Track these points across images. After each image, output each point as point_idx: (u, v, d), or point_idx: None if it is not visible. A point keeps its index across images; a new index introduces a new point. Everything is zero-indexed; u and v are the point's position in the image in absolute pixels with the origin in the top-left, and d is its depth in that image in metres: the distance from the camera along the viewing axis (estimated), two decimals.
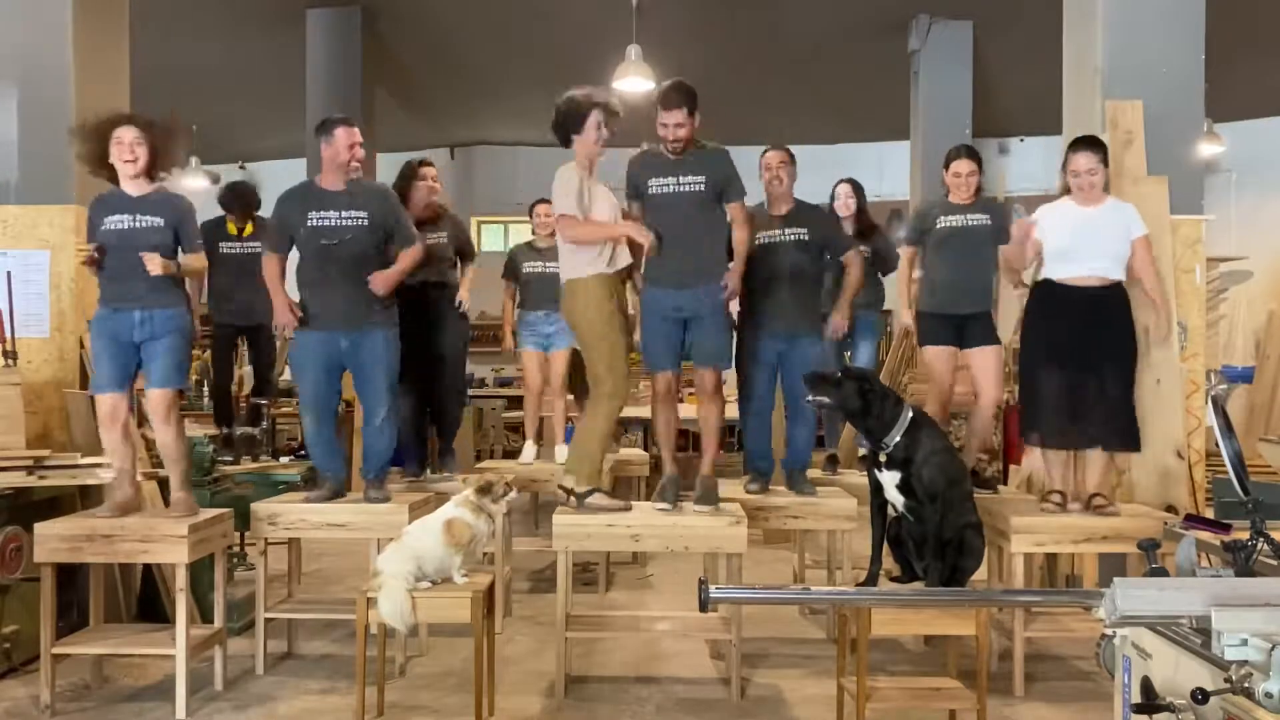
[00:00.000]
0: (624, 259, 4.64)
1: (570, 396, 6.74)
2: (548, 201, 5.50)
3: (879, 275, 6.12)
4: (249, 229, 6.90)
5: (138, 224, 4.35)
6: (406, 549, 3.96)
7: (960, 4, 9.88)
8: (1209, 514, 4.91)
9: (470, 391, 12.16)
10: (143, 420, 5.35)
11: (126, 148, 4.35)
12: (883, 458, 4.09)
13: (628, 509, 4.61)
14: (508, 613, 5.53)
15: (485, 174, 14.44)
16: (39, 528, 4.17)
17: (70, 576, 4.50)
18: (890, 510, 4.25)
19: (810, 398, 4.26)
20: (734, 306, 5.02)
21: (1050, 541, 4.55)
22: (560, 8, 9.55)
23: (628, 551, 6.85)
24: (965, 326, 5.18)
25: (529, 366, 6.56)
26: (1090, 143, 4.79)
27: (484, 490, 4.09)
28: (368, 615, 3.88)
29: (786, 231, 5.14)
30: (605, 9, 9.13)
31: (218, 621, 4.53)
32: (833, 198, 6.03)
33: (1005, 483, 6.25)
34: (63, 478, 4.73)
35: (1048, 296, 4.75)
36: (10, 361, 5.14)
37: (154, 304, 4.35)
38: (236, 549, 6.05)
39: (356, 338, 4.76)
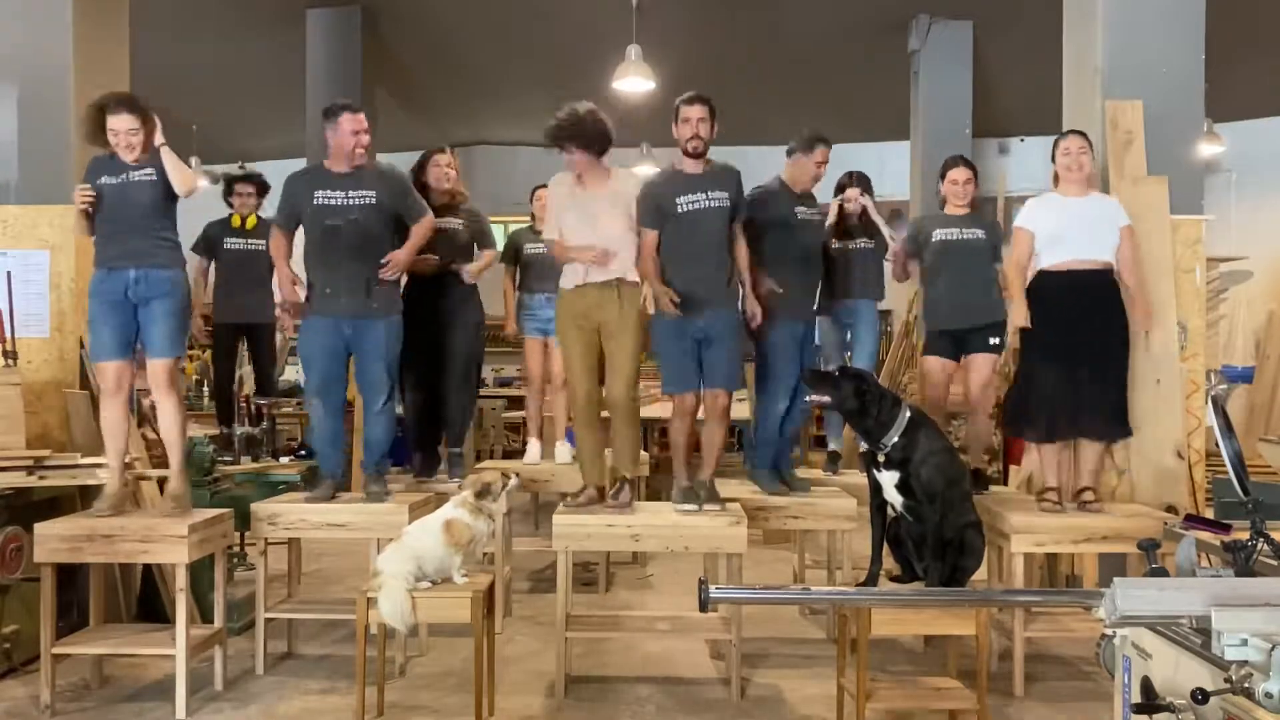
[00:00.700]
0: (596, 274, 4.67)
1: None
2: (544, 187, 5.59)
3: (881, 269, 6.11)
4: (252, 222, 6.90)
5: (130, 178, 4.37)
6: (406, 549, 3.96)
7: (960, 4, 9.88)
8: (1209, 514, 4.91)
9: None
10: (144, 420, 5.36)
11: (123, 139, 4.36)
12: (881, 458, 4.09)
13: (630, 509, 4.62)
14: (508, 613, 5.53)
15: (485, 174, 14.42)
16: (39, 528, 4.17)
17: (70, 576, 4.50)
18: (890, 510, 4.25)
19: (809, 397, 4.28)
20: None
21: (1050, 541, 4.55)
22: (560, 8, 9.55)
23: (628, 551, 6.85)
24: (964, 339, 5.28)
25: (530, 355, 6.30)
26: (1078, 130, 4.95)
27: (482, 492, 4.09)
28: (368, 615, 3.88)
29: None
30: (605, 9, 9.12)
31: (218, 621, 4.53)
32: (838, 193, 6.02)
33: (1005, 483, 6.25)
34: (63, 478, 4.73)
35: (1041, 286, 4.79)
36: (10, 361, 5.14)
37: (149, 263, 4.35)
38: (236, 549, 6.05)
39: (361, 324, 4.76)
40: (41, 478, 4.67)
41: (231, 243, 6.91)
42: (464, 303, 5.65)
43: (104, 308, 4.36)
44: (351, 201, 4.75)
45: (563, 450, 6.12)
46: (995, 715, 4.00)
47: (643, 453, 7.69)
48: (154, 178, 4.40)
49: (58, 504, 4.76)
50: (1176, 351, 5.16)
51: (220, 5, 9.42)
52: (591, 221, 4.70)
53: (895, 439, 4.04)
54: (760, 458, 5.24)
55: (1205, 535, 3.67)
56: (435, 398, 5.69)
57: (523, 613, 5.70)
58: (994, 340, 5.27)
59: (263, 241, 6.34)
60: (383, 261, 4.77)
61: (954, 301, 5.23)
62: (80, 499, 4.87)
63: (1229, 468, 2.59)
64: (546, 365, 6.28)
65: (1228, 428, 2.62)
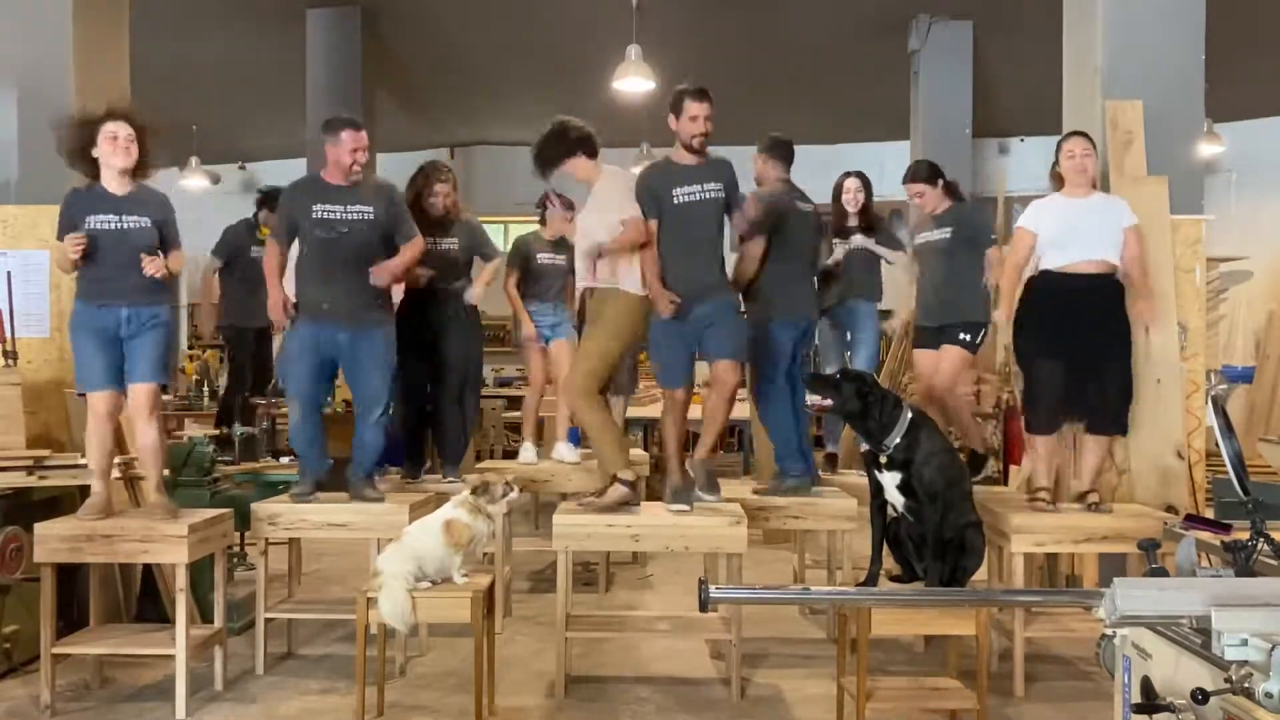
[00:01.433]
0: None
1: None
2: (561, 196, 5.69)
3: (879, 270, 6.12)
4: None
5: (125, 224, 4.32)
6: (406, 549, 3.96)
7: (960, 4, 9.88)
8: (1209, 514, 4.91)
9: None
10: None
11: (122, 144, 4.32)
12: (883, 459, 4.09)
13: (613, 509, 4.58)
14: (508, 613, 5.53)
15: (485, 174, 14.43)
16: (39, 528, 4.17)
17: (70, 576, 4.49)
18: (890, 510, 4.25)
19: (809, 401, 4.28)
20: None
21: (1050, 541, 4.55)
22: (560, 8, 9.55)
23: (628, 551, 6.85)
24: (940, 333, 5.48)
25: (532, 360, 6.38)
26: (1080, 132, 4.96)
27: (481, 490, 4.08)
28: (368, 615, 3.88)
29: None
30: (605, 9, 9.12)
31: (218, 621, 4.53)
32: (838, 191, 6.02)
33: (1005, 483, 6.25)
34: (63, 478, 4.73)
35: (1044, 287, 4.80)
36: (10, 361, 5.14)
37: (141, 301, 4.32)
38: (236, 549, 6.05)
39: (355, 333, 4.76)
40: (41, 478, 4.67)
41: (257, 251, 7.00)
42: (465, 320, 5.66)
43: (92, 342, 4.30)
44: (350, 216, 4.75)
45: (561, 450, 6.12)
46: (995, 715, 4.00)
47: (642, 452, 7.73)
48: (149, 225, 4.35)
49: (58, 504, 4.76)
50: (1176, 351, 5.16)
51: (220, 5, 9.41)
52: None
53: (897, 440, 4.05)
54: (790, 468, 5.18)
55: (1205, 535, 3.67)
56: (436, 406, 5.68)
57: (523, 613, 5.70)
58: (964, 336, 5.41)
59: None
60: (375, 268, 4.76)
61: (927, 299, 5.55)
62: (80, 499, 4.86)
63: (1229, 468, 2.59)
64: (546, 369, 6.39)
65: (1228, 428, 2.62)
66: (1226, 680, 1.72)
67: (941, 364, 5.46)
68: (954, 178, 5.70)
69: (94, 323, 4.31)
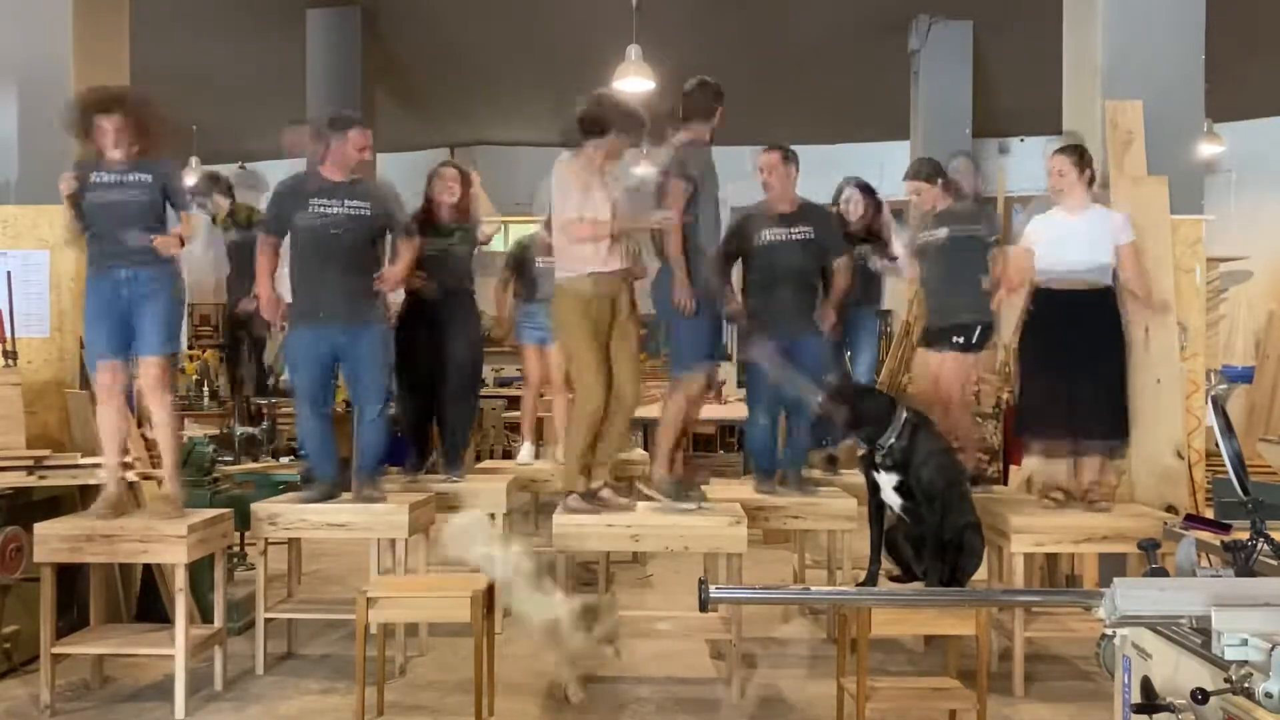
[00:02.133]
0: (615, 261, 4.58)
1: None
2: None
3: (877, 276, 6.12)
4: (243, 212, 6.98)
5: (125, 179, 4.34)
6: None
7: (960, 4, 9.88)
8: (1209, 514, 4.90)
9: None
10: (143, 420, 5.35)
11: (110, 136, 4.34)
12: (878, 458, 4.09)
13: (597, 512, 4.58)
14: (508, 613, 5.52)
15: (485, 174, 14.36)
16: (39, 528, 4.17)
17: (70, 576, 4.49)
18: (888, 512, 4.25)
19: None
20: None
21: (1050, 541, 4.55)
22: (560, 7, 9.54)
23: (628, 551, 6.85)
24: (939, 334, 5.43)
25: (530, 360, 6.52)
26: (1066, 147, 4.95)
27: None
28: (367, 615, 3.88)
29: (791, 231, 5.12)
30: (605, 9, 9.11)
31: (218, 621, 4.53)
32: (837, 197, 6.02)
33: (1005, 483, 6.25)
34: (63, 478, 4.73)
35: (1038, 303, 4.84)
36: (10, 361, 5.13)
37: (140, 262, 4.32)
38: (236, 549, 6.05)
39: (351, 332, 4.75)
40: (41, 478, 4.67)
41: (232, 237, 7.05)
42: (465, 315, 5.64)
43: (98, 309, 4.34)
44: (346, 211, 4.74)
45: (560, 452, 6.14)
46: (995, 715, 4.00)
47: (643, 452, 7.72)
48: (150, 181, 4.37)
49: (58, 504, 4.76)
50: (1176, 351, 5.15)
51: (220, 5, 9.41)
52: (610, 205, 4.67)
53: (893, 440, 4.04)
54: (755, 464, 5.29)
55: (1205, 535, 3.67)
56: (432, 408, 5.68)
57: None
58: (958, 339, 5.30)
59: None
60: (375, 275, 4.76)
61: (929, 299, 5.59)
62: (80, 499, 4.87)
63: (1229, 468, 2.59)
64: (543, 370, 6.45)
65: (1228, 428, 2.62)
66: (1226, 680, 1.72)
67: (943, 369, 5.38)
68: (956, 177, 5.69)
69: (98, 288, 4.35)
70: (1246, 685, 1.70)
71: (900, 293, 5.90)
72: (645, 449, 8.49)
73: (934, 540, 4.06)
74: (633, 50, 8.87)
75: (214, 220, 7.10)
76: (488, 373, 13.43)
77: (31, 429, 5.00)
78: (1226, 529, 3.76)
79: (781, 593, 3.42)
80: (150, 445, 5.22)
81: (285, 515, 4.70)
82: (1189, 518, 4.36)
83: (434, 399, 5.67)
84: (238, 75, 11.10)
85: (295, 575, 5.12)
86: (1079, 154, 4.87)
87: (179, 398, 9.30)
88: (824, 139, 12.59)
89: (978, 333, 5.34)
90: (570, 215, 4.53)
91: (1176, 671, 1.97)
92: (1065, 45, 5.90)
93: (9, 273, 5.40)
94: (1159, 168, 5.29)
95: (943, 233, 5.39)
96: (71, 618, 4.58)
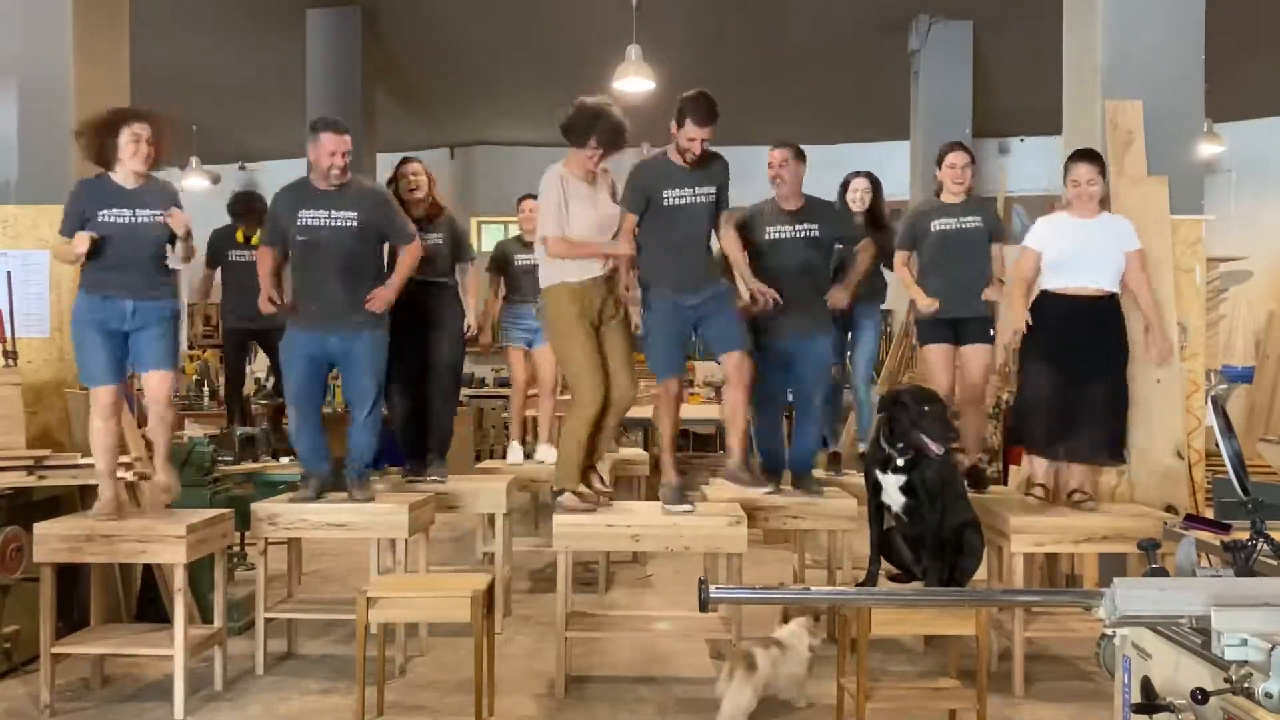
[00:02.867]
0: (596, 267, 4.61)
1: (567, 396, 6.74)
2: (532, 197, 5.52)
3: (882, 273, 6.10)
4: (257, 237, 6.97)
5: (138, 218, 4.34)
6: None
7: (960, 4, 9.88)
8: (1209, 514, 4.91)
9: (470, 391, 12.17)
10: (142, 421, 5.35)
11: (144, 145, 4.33)
12: (900, 461, 4.10)
13: (593, 510, 4.59)
14: (508, 613, 5.53)
15: (485, 174, 14.43)
16: (39, 528, 4.17)
17: (70, 576, 4.49)
18: (886, 513, 4.26)
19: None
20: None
21: (1050, 541, 4.55)
22: (560, 7, 9.55)
23: (628, 551, 6.85)
24: (962, 326, 5.28)
25: (514, 363, 6.59)
26: (1091, 155, 4.91)
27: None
28: (367, 615, 3.88)
29: (798, 227, 5.12)
30: (605, 9, 9.12)
31: (218, 621, 4.53)
32: (843, 190, 6.01)
33: (1005, 483, 6.24)
34: (63, 478, 4.73)
35: (1044, 308, 4.82)
36: (10, 361, 5.14)
37: (148, 295, 4.34)
38: (236, 549, 6.05)
39: (345, 337, 4.75)
40: (41, 478, 4.67)
41: (237, 255, 7.12)
42: (448, 311, 5.63)
43: (97, 334, 4.30)
44: (334, 221, 4.73)
45: (547, 451, 6.19)
46: (995, 715, 4.00)
47: (643, 452, 7.73)
48: (161, 219, 4.36)
49: (58, 504, 4.77)
50: (1176, 352, 5.16)
51: (220, 5, 9.41)
52: (599, 215, 4.69)
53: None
54: (762, 464, 5.26)
55: (1205, 535, 3.67)
56: (420, 404, 5.65)
57: (523, 613, 5.70)
58: (990, 332, 5.29)
59: None
60: (368, 297, 4.74)
61: (952, 290, 5.23)
62: (80, 499, 4.88)
63: (1229, 468, 2.59)
64: (529, 372, 6.54)
65: (1228, 428, 2.61)
66: (1226, 680, 1.72)
67: (973, 368, 5.27)
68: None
69: (98, 315, 4.31)
70: (1246, 685, 1.70)
71: (902, 293, 5.87)
72: (645, 449, 8.51)
73: (934, 540, 4.06)
74: (633, 50, 8.87)
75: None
76: (488, 373, 13.44)
77: (31, 429, 5.01)
78: (1226, 529, 3.76)
79: (781, 593, 3.41)
80: (150, 445, 5.22)
81: (285, 515, 4.70)
82: (1189, 518, 4.36)
83: (419, 395, 5.65)
84: (238, 75, 11.10)
85: (295, 575, 5.12)
86: (1102, 163, 4.87)
87: (179, 397, 9.37)
88: (824, 139, 12.59)
89: (994, 326, 5.32)
90: (548, 230, 4.58)
91: (1176, 671, 1.97)
92: (1065, 45, 5.90)
93: (9, 273, 5.41)
94: (1159, 168, 5.30)
95: (975, 220, 5.26)
96: (71, 618, 4.58)
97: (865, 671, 3.70)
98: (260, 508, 4.72)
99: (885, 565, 4.41)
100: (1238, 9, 7.40)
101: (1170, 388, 5.11)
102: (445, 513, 5.45)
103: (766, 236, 5.09)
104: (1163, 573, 2.23)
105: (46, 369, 5.43)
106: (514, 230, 6.93)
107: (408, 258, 4.92)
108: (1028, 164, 13.03)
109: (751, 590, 3.58)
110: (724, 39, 10.20)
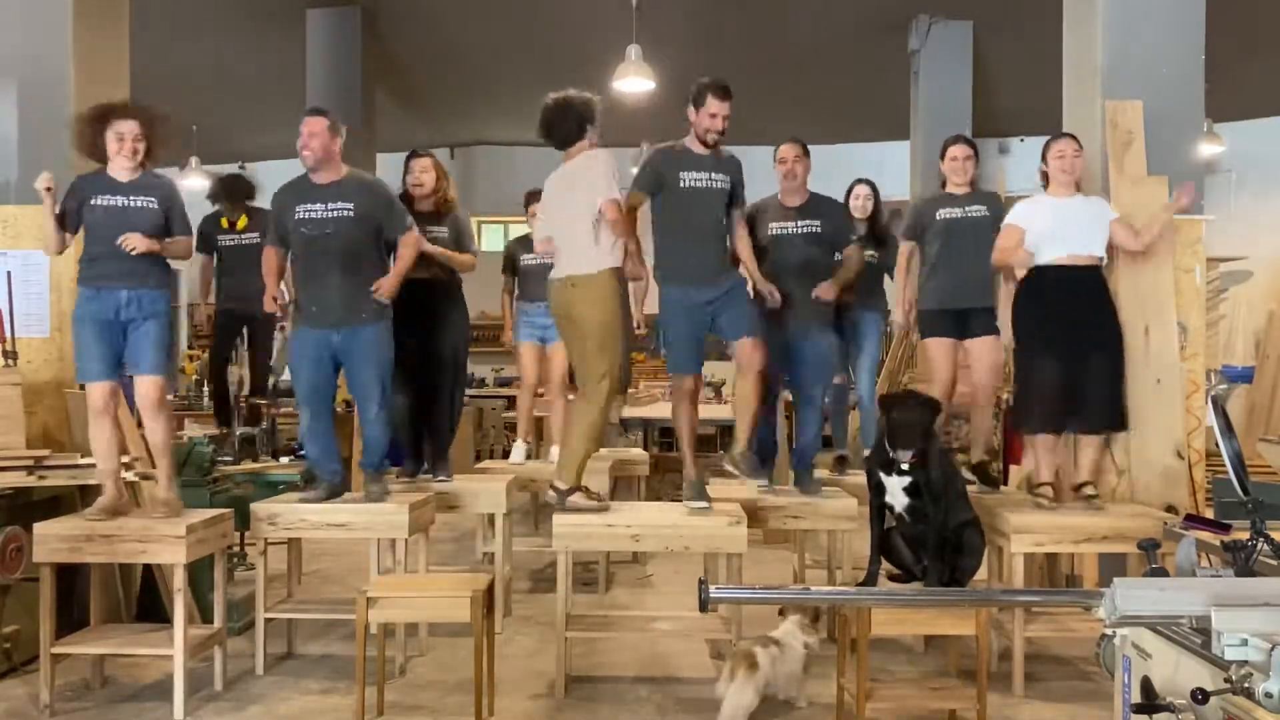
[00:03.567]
0: (554, 270, 4.67)
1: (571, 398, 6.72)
2: (537, 197, 5.53)
3: (885, 279, 6.11)
4: (242, 221, 6.98)
5: (130, 203, 4.35)
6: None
7: (960, 4, 9.89)
8: (1209, 514, 4.90)
9: (470, 391, 12.16)
10: (141, 421, 5.35)
11: (128, 144, 4.35)
12: (906, 463, 4.11)
13: (605, 509, 4.60)
14: (508, 613, 5.52)
15: (485, 174, 14.45)
16: (39, 528, 4.17)
17: (70, 576, 4.49)
18: (888, 512, 4.26)
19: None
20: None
21: (1050, 541, 4.55)
22: (560, 7, 9.55)
23: (628, 551, 6.85)
24: (966, 319, 5.27)
25: (525, 359, 6.55)
26: (1069, 135, 4.97)
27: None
28: (367, 615, 3.88)
29: (800, 224, 5.13)
30: (605, 9, 9.13)
31: (217, 621, 4.53)
32: (846, 196, 6.02)
33: (1005, 482, 6.24)
34: (63, 478, 4.73)
35: (1036, 283, 4.82)
36: (10, 361, 5.14)
37: (141, 284, 4.34)
38: (236, 549, 6.04)
39: (349, 332, 4.74)
40: (41, 478, 4.67)
41: (225, 240, 7.07)
42: (451, 305, 5.61)
43: (93, 329, 4.30)
44: (331, 214, 4.71)
45: (557, 453, 6.15)
46: (995, 715, 4.00)
47: (642, 452, 7.72)
48: (154, 205, 4.38)
49: (58, 504, 4.77)
50: (1176, 351, 5.16)
51: (220, 5, 9.42)
52: (551, 210, 4.75)
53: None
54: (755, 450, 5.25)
55: (1205, 535, 3.67)
56: (422, 400, 5.64)
57: (523, 613, 5.70)
58: (995, 322, 5.27)
59: (256, 235, 6.57)
60: (372, 288, 4.74)
61: (959, 280, 5.23)
62: (80, 499, 4.87)
63: (1229, 468, 2.59)
64: (541, 370, 6.48)
65: (1228, 428, 2.62)
66: (1226, 680, 1.72)
67: (983, 360, 5.27)
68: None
69: (94, 307, 4.32)
70: (1246, 685, 1.69)
71: (898, 289, 5.87)
72: (645, 449, 8.52)
73: (935, 539, 4.06)
74: (633, 50, 8.88)
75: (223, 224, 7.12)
76: (488, 373, 13.44)
77: (31, 429, 5.00)
78: (1226, 529, 3.76)
79: (781, 593, 3.42)
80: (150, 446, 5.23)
81: (285, 515, 4.69)
82: (1189, 518, 4.36)
83: (421, 391, 5.65)
84: (238, 75, 11.11)
85: (295, 575, 5.12)
86: (1079, 142, 4.93)
87: (179, 397, 9.37)
88: (824, 139, 12.57)
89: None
90: (614, 194, 4.56)
91: (1176, 671, 1.97)
92: (1065, 45, 5.90)
93: (9, 273, 5.41)
94: (1159, 168, 5.29)
95: (981, 209, 5.27)
96: (71, 618, 4.58)
97: (865, 671, 3.70)
98: (260, 508, 4.71)
99: (885, 565, 4.41)
100: (1238, 9, 7.40)
101: (1170, 388, 5.11)
102: (445, 513, 5.45)
103: (770, 232, 5.10)
104: (1163, 573, 2.23)
105: (46, 369, 5.43)
106: (515, 230, 6.93)
107: (407, 249, 4.91)
108: (1028, 164, 12.90)
109: (751, 590, 3.58)
110: (724, 39, 10.20)
